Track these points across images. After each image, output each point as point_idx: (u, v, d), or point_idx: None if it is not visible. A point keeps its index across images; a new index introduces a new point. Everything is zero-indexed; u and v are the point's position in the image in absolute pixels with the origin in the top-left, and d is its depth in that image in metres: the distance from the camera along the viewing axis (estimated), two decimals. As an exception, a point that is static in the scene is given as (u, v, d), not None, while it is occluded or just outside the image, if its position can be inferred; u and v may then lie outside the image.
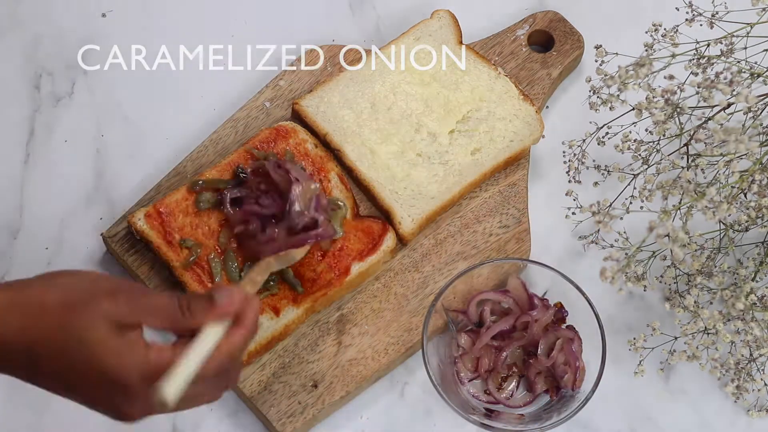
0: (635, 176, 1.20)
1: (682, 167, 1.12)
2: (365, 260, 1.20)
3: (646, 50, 1.14)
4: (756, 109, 1.15)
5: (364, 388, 1.20)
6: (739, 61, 1.14)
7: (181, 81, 1.34)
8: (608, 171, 1.21)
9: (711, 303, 1.21)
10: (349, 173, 1.25)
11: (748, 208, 1.13)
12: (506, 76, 1.29)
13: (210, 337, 0.91)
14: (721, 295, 1.17)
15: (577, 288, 1.17)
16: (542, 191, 1.29)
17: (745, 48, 1.16)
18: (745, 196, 1.15)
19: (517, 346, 1.20)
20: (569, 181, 1.23)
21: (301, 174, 1.17)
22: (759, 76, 1.12)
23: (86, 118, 1.32)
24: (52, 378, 0.90)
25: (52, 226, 1.26)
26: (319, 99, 1.27)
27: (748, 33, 1.15)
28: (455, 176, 1.25)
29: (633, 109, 1.14)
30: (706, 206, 1.06)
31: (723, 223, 1.19)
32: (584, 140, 1.22)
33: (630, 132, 1.19)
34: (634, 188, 1.19)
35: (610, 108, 1.16)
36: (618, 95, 1.14)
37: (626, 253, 1.08)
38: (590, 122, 1.23)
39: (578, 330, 1.19)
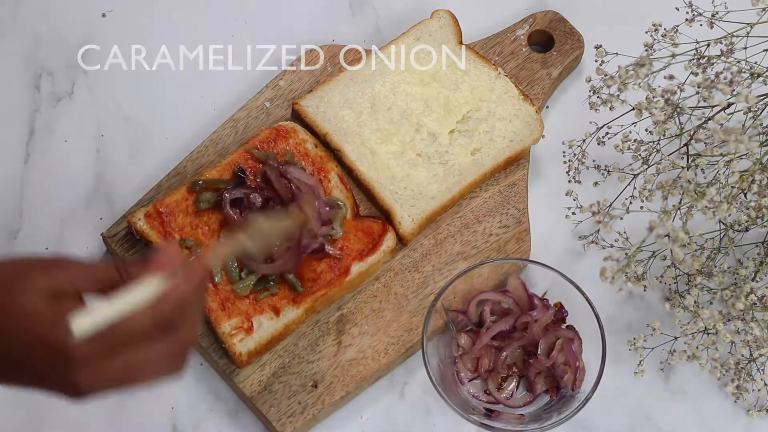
0: (635, 176, 1.20)
1: (682, 167, 1.12)
2: (365, 260, 1.20)
3: (646, 50, 1.14)
4: (756, 109, 1.15)
5: (364, 388, 1.20)
6: (739, 61, 1.14)
7: (181, 81, 1.34)
8: (608, 171, 1.21)
9: (711, 303, 1.21)
10: (349, 173, 1.25)
11: (748, 208, 1.13)
12: (506, 76, 1.29)
13: (143, 288, 0.87)
14: (721, 295, 1.17)
15: (577, 288, 1.17)
16: (542, 191, 1.29)
17: (745, 48, 1.16)
18: (745, 196, 1.15)
19: (517, 346, 1.20)
20: (569, 181, 1.23)
21: (302, 184, 1.17)
22: (759, 76, 1.12)
23: (86, 118, 1.32)
24: None
25: (52, 226, 1.26)
26: (319, 99, 1.27)
27: (748, 33, 1.15)
28: (455, 176, 1.25)
29: (633, 109, 1.14)
30: (706, 206, 1.06)
31: (723, 223, 1.19)
32: (584, 140, 1.22)
33: (630, 132, 1.19)
34: (634, 188, 1.19)
35: (610, 108, 1.16)
36: (618, 95, 1.14)
37: (626, 253, 1.08)
38: (590, 122, 1.23)
39: (578, 330, 1.19)
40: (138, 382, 0.90)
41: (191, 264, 0.90)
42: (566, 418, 1.14)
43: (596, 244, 1.23)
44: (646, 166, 1.19)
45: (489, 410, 1.18)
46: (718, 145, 1.07)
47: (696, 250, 1.16)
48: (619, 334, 1.23)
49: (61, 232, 1.26)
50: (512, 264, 1.20)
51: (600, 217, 1.10)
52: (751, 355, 1.17)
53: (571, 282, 1.17)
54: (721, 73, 1.11)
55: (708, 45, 1.14)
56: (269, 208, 1.19)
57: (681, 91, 1.11)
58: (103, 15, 1.36)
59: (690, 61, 1.14)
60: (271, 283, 1.18)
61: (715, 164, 1.15)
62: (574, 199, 1.22)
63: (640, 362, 1.20)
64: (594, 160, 1.25)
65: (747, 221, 1.14)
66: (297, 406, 1.17)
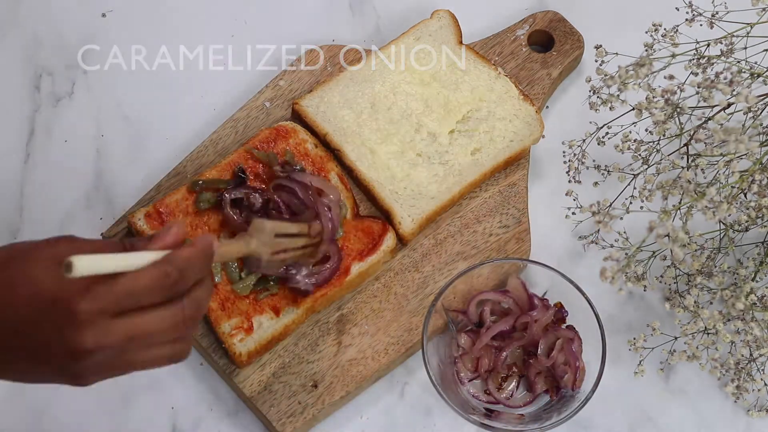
0: (635, 176, 1.20)
1: (682, 167, 1.12)
2: (365, 260, 1.20)
3: (646, 50, 1.14)
4: (756, 109, 1.15)
5: (364, 388, 1.20)
6: (739, 61, 1.14)
7: (181, 81, 1.34)
8: (608, 171, 1.21)
9: (711, 303, 1.21)
10: (349, 173, 1.25)
11: (748, 208, 1.13)
12: (506, 76, 1.29)
13: (147, 254, 0.88)
14: (721, 295, 1.17)
15: (577, 288, 1.17)
16: (542, 191, 1.29)
17: (745, 48, 1.16)
18: (745, 196, 1.15)
19: (517, 346, 1.20)
20: (569, 181, 1.23)
21: (326, 196, 1.18)
22: (759, 76, 1.12)
23: (86, 118, 1.32)
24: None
25: (52, 226, 1.26)
26: (319, 99, 1.27)
27: (748, 33, 1.15)
28: (455, 176, 1.25)
29: (633, 109, 1.14)
30: (706, 206, 1.06)
31: (723, 223, 1.19)
32: (584, 140, 1.22)
33: (630, 132, 1.19)
34: (634, 188, 1.19)
35: (610, 108, 1.16)
36: (618, 95, 1.14)
37: (626, 253, 1.08)
38: (590, 122, 1.23)
39: (578, 330, 1.19)
40: (142, 355, 0.90)
41: (197, 239, 0.91)
42: (566, 418, 1.14)
43: (596, 244, 1.23)
44: (646, 166, 1.19)
45: (489, 410, 1.18)
46: (718, 145, 1.07)
47: (696, 250, 1.16)
48: (619, 334, 1.23)
49: (61, 232, 1.26)
50: (512, 264, 1.20)
51: (600, 217, 1.10)
52: (751, 355, 1.17)
53: (571, 282, 1.17)
54: (721, 73, 1.11)
55: (708, 45, 1.14)
56: (270, 210, 1.19)
57: (681, 91, 1.11)
58: (103, 15, 1.36)
59: (690, 61, 1.14)
60: (271, 283, 1.18)
61: (715, 164, 1.15)
62: (574, 199, 1.22)
63: (640, 362, 1.20)
64: (594, 160, 1.25)
65: (747, 221, 1.14)
66: (297, 406, 1.17)
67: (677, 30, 1.15)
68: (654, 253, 1.20)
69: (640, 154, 1.19)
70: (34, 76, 1.33)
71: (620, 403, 1.21)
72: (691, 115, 1.14)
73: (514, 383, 1.19)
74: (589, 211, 1.12)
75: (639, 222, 1.14)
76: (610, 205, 1.12)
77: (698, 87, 1.09)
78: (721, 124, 1.11)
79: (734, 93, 1.05)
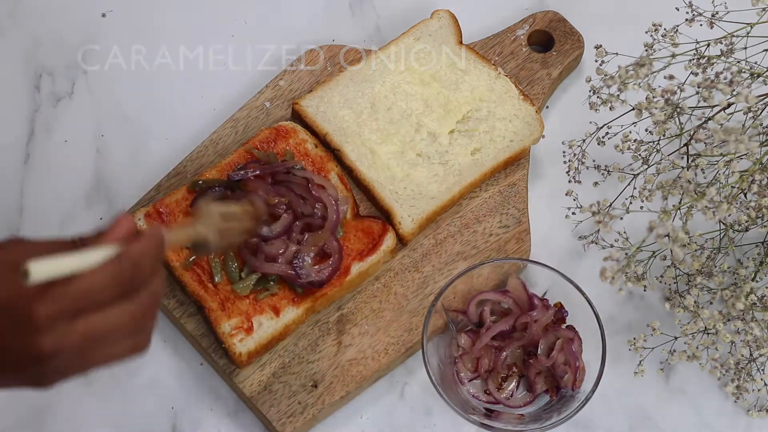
0: (635, 176, 1.20)
1: (682, 167, 1.12)
2: (365, 260, 1.20)
3: (646, 50, 1.14)
4: (756, 109, 1.15)
5: (364, 388, 1.20)
6: (739, 61, 1.14)
7: (181, 81, 1.34)
8: (608, 171, 1.21)
9: (711, 303, 1.21)
10: (349, 173, 1.25)
11: (748, 208, 1.13)
12: (506, 76, 1.29)
13: (99, 250, 0.88)
14: (721, 295, 1.17)
15: (577, 288, 1.17)
16: (542, 191, 1.29)
17: (745, 48, 1.16)
18: (745, 196, 1.15)
19: (517, 346, 1.20)
20: (569, 181, 1.23)
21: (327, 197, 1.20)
22: (759, 76, 1.12)
23: (86, 118, 1.32)
24: None
25: (52, 226, 1.26)
26: (319, 99, 1.27)
27: (748, 33, 1.15)
28: (455, 176, 1.25)
29: (633, 109, 1.14)
30: (706, 206, 1.06)
31: (723, 223, 1.19)
32: (584, 140, 1.22)
33: (630, 132, 1.19)
34: (634, 188, 1.19)
35: (610, 108, 1.16)
36: (618, 95, 1.14)
37: (626, 253, 1.08)
38: (590, 122, 1.23)
39: (578, 330, 1.19)
40: (103, 353, 0.89)
41: (146, 231, 0.91)
42: (566, 418, 1.14)
43: (596, 244, 1.23)
44: (646, 166, 1.19)
45: (489, 410, 1.18)
46: (718, 145, 1.07)
47: (696, 250, 1.16)
48: (619, 334, 1.23)
49: (61, 232, 1.26)
50: (512, 264, 1.20)
51: (600, 217, 1.10)
52: (751, 355, 1.17)
53: (571, 282, 1.17)
54: (721, 73, 1.11)
55: (708, 45, 1.14)
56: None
57: (681, 91, 1.11)
58: (103, 15, 1.36)
59: (690, 61, 1.14)
60: (271, 283, 1.18)
61: (715, 164, 1.15)
62: (574, 199, 1.22)
63: (640, 362, 1.20)
64: (594, 160, 1.25)
65: (747, 221, 1.14)
66: (297, 406, 1.17)
67: (677, 30, 1.15)
68: (654, 253, 1.20)
69: (640, 154, 1.19)
70: (34, 76, 1.33)
71: (620, 403, 1.21)
72: (691, 115, 1.14)
73: (514, 383, 1.19)
74: (589, 211, 1.12)
75: (639, 222, 1.14)
76: (610, 205, 1.12)
77: (698, 87, 1.09)
78: (721, 124, 1.11)
79: (734, 93, 1.05)
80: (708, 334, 1.18)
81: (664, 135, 1.14)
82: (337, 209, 1.19)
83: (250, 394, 1.17)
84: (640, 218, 1.14)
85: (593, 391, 1.14)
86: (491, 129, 1.27)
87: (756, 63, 1.17)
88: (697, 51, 1.14)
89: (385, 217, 1.24)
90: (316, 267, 1.17)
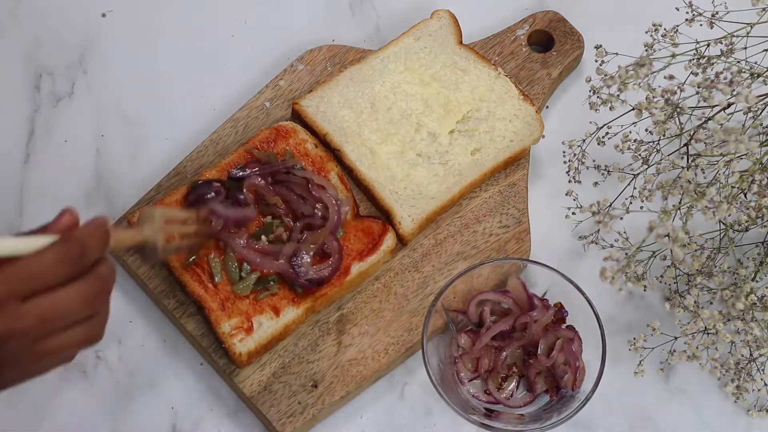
0: (635, 176, 1.20)
1: (682, 167, 1.12)
2: (365, 260, 1.20)
3: (646, 50, 1.14)
4: (756, 109, 1.15)
5: (364, 388, 1.20)
6: (739, 61, 1.14)
7: (181, 81, 1.34)
8: (608, 171, 1.21)
9: (711, 303, 1.21)
10: (349, 173, 1.25)
11: (748, 208, 1.13)
12: (506, 76, 1.29)
13: (44, 237, 0.89)
14: (721, 295, 1.17)
15: (577, 288, 1.17)
16: (542, 191, 1.29)
17: (745, 48, 1.16)
18: (745, 196, 1.15)
19: (517, 346, 1.20)
20: (569, 181, 1.23)
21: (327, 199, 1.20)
22: (759, 76, 1.12)
23: (86, 118, 1.32)
24: None
25: (52, 226, 1.26)
26: (319, 99, 1.27)
27: (748, 33, 1.15)
28: (455, 176, 1.25)
29: (633, 109, 1.14)
30: (706, 206, 1.06)
31: (723, 223, 1.19)
32: (584, 140, 1.22)
33: (630, 132, 1.19)
34: (634, 188, 1.19)
35: (610, 108, 1.16)
36: (618, 95, 1.14)
37: (626, 253, 1.08)
38: (590, 122, 1.23)
39: (578, 330, 1.19)
40: (57, 341, 0.89)
41: (92, 218, 0.92)
42: (566, 418, 1.14)
43: (596, 244, 1.23)
44: (646, 166, 1.19)
45: (489, 410, 1.18)
46: (718, 145, 1.07)
47: (696, 250, 1.16)
48: (619, 334, 1.23)
49: (61, 232, 1.26)
50: (512, 264, 1.20)
51: (600, 217, 1.10)
52: (751, 355, 1.17)
53: (571, 282, 1.17)
54: (721, 73, 1.11)
55: (708, 45, 1.14)
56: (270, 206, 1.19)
57: (681, 91, 1.11)
58: (103, 15, 1.36)
59: (690, 61, 1.14)
60: (271, 283, 1.18)
61: (715, 164, 1.15)
62: (574, 199, 1.22)
63: (640, 362, 1.20)
64: (594, 160, 1.25)
65: (747, 221, 1.14)
66: (297, 406, 1.17)
67: (677, 30, 1.15)
68: (654, 253, 1.20)
69: (640, 154, 1.19)
70: (34, 76, 1.33)
71: (620, 403, 1.21)
72: (691, 115, 1.14)
73: (514, 383, 1.19)
74: (589, 211, 1.12)
75: (639, 222, 1.14)
76: (610, 205, 1.12)
77: (698, 87, 1.09)
78: (721, 124, 1.11)
79: (734, 93, 1.05)
80: (708, 334, 1.18)
81: (664, 135, 1.14)
82: (338, 210, 1.19)
83: (250, 394, 1.17)
84: (640, 218, 1.14)
85: (593, 391, 1.14)
86: (491, 129, 1.27)
87: (756, 63, 1.17)
88: (697, 51, 1.14)
89: (385, 217, 1.24)
90: (315, 266, 1.18)
